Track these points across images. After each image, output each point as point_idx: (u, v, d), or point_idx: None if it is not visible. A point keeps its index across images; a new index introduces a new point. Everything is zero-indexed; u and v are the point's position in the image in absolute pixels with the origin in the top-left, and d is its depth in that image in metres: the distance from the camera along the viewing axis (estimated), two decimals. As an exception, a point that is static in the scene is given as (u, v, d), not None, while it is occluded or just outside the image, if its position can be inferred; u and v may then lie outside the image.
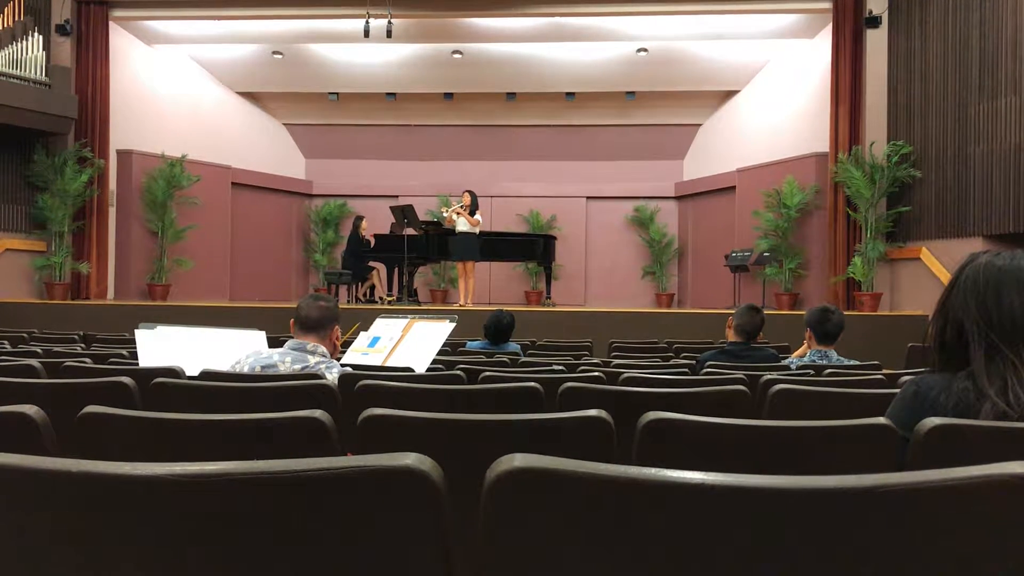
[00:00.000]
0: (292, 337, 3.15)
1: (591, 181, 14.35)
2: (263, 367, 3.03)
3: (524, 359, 4.48)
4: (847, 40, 10.39)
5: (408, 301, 10.58)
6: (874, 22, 10.22)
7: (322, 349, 3.09)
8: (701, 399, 2.49)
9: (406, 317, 4.07)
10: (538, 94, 13.52)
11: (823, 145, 10.77)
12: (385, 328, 4.08)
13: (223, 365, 3.17)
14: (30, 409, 1.58)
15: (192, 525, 0.88)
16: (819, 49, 11.20)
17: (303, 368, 3.01)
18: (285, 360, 3.03)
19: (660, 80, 12.92)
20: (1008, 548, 0.86)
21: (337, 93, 13.65)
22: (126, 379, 2.45)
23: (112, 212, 11.61)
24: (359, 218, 11.96)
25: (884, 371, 3.58)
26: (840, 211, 10.33)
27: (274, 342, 3.29)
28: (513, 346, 5.24)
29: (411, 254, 10.58)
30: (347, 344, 4.20)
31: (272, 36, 12.31)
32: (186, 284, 12.05)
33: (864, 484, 0.81)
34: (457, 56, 12.67)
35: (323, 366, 3.04)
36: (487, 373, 3.11)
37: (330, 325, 3.11)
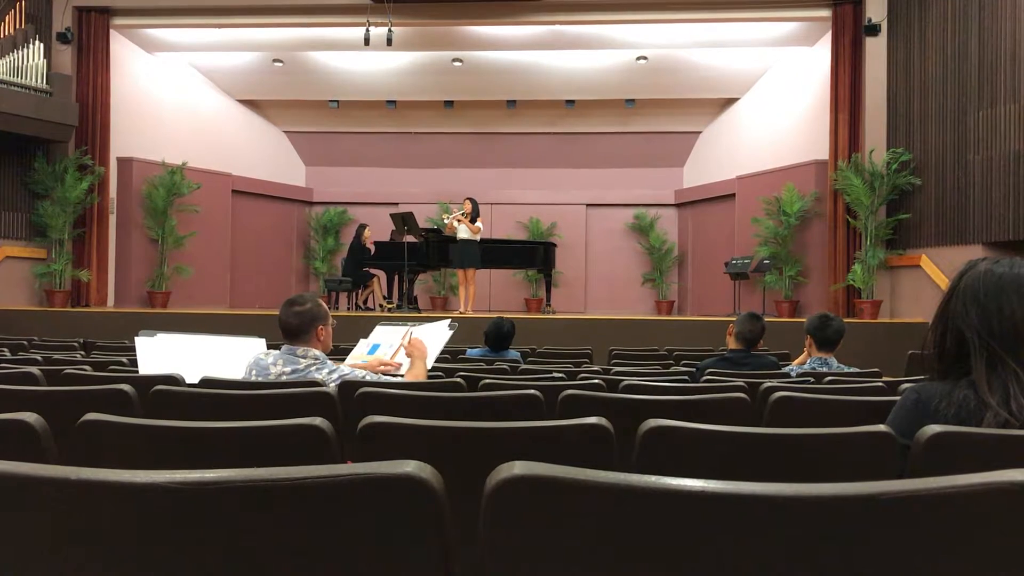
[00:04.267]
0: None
1: (591, 188, 14.38)
2: (258, 373, 3.07)
3: (524, 366, 4.48)
4: (846, 48, 10.41)
5: (408, 308, 10.58)
6: (873, 30, 10.25)
7: (313, 352, 3.11)
8: (701, 406, 2.49)
9: (406, 325, 4.07)
10: (538, 102, 13.55)
11: (823, 152, 10.79)
12: (385, 335, 4.08)
13: (223, 372, 3.18)
14: (30, 416, 1.58)
15: (192, 533, 0.88)
16: (818, 57, 11.23)
17: (293, 371, 3.04)
18: (277, 364, 3.07)
19: (660, 88, 12.94)
20: (1009, 556, 0.85)
21: (337, 101, 13.67)
22: (126, 387, 2.45)
23: (112, 219, 11.60)
24: (362, 226, 11.96)
25: (884, 378, 3.58)
26: (840, 218, 10.33)
27: (274, 349, 3.30)
28: (513, 353, 5.24)
29: (411, 261, 10.59)
30: None
31: (273, 44, 12.34)
32: (186, 291, 12.05)
33: (865, 492, 0.81)
34: (457, 64, 12.70)
35: (314, 368, 3.05)
36: (487, 380, 3.10)
37: (312, 327, 3.13)
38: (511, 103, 13.52)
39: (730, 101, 13.29)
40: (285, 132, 14.65)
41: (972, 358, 1.58)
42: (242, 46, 12.41)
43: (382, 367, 3.50)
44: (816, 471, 1.67)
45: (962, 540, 0.84)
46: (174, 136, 12.37)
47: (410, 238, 10.62)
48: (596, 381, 3.19)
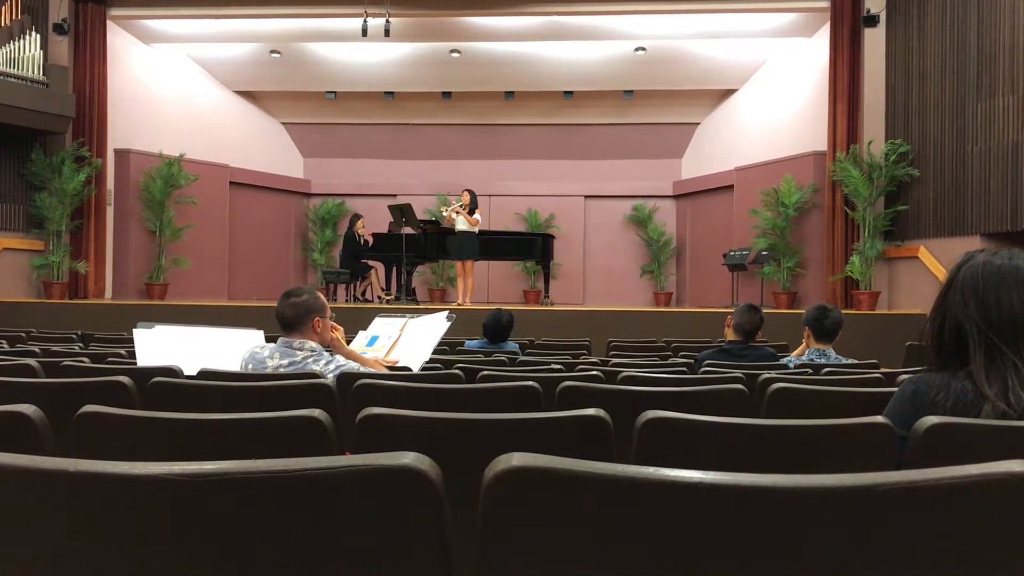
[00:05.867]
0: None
1: (589, 180, 14.36)
2: (254, 367, 3.07)
3: (523, 358, 4.48)
4: (845, 39, 10.39)
5: (407, 300, 10.58)
6: (872, 21, 10.23)
7: (309, 344, 3.10)
8: (699, 398, 2.49)
9: (404, 317, 4.07)
10: (536, 93, 13.52)
11: (821, 144, 10.78)
12: (384, 327, 4.09)
13: (221, 364, 3.18)
14: (28, 408, 1.58)
15: (190, 525, 0.88)
16: (817, 48, 11.21)
17: (290, 363, 3.04)
18: (274, 356, 3.07)
19: (658, 79, 12.91)
20: (1006, 547, 0.86)
21: (335, 92, 13.63)
22: (124, 378, 2.44)
23: (110, 211, 11.59)
24: (355, 217, 11.96)
25: (882, 370, 3.59)
26: (838, 210, 10.33)
27: (271, 342, 3.30)
28: (512, 345, 5.24)
29: (409, 253, 10.58)
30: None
31: (270, 35, 12.30)
32: (184, 283, 12.04)
33: (863, 483, 0.81)
34: (455, 55, 12.67)
35: (311, 359, 3.05)
36: (485, 372, 3.11)
37: (308, 318, 3.12)
38: (509, 94, 13.48)
39: (728, 92, 13.27)
40: (283, 124, 14.61)
41: (970, 350, 1.58)
42: (239, 37, 12.37)
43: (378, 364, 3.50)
44: (814, 462, 1.67)
45: (960, 531, 0.84)
46: (172, 128, 12.34)
47: (408, 230, 10.61)
48: (594, 373, 3.19)
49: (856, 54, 10.37)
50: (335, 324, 3.30)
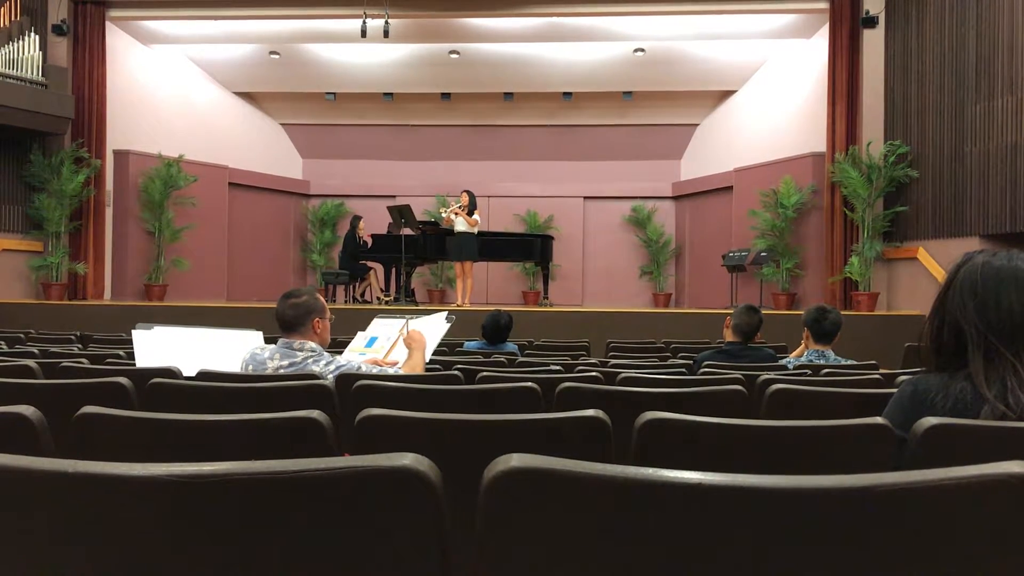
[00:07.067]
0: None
1: (588, 181, 14.36)
2: (254, 368, 3.07)
3: (522, 359, 4.48)
4: (844, 40, 10.40)
5: (406, 301, 10.57)
6: (871, 22, 10.24)
7: (310, 344, 3.11)
8: (698, 399, 2.49)
9: (403, 317, 4.06)
10: (535, 94, 13.52)
11: (820, 145, 10.78)
12: (383, 328, 4.08)
13: (220, 365, 3.18)
14: (27, 410, 1.58)
15: (189, 526, 0.88)
16: (816, 49, 11.22)
17: (291, 364, 3.04)
18: (274, 357, 3.07)
19: (657, 80, 12.92)
20: (1006, 548, 0.86)
21: (334, 93, 13.63)
22: (123, 380, 2.44)
23: (109, 212, 11.59)
24: (356, 218, 11.97)
25: (881, 371, 3.59)
26: (837, 211, 10.34)
27: (271, 342, 3.30)
28: (511, 346, 5.24)
29: (408, 254, 10.58)
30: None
31: (269, 36, 12.30)
32: (183, 284, 12.03)
33: (861, 484, 0.81)
34: (454, 56, 12.67)
35: (311, 360, 3.06)
36: (485, 373, 3.11)
37: (308, 319, 3.13)
38: (508, 95, 13.49)
39: (728, 93, 13.28)
40: (282, 124, 14.61)
41: (969, 351, 1.58)
42: (239, 38, 12.37)
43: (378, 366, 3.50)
44: (813, 463, 1.67)
45: (959, 532, 0.84)
46: (171, 129, 12.34)
47: (407, 231, 10.61)
48: (593, 374, 3.19)
49: (855, 55, 10.38)
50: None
